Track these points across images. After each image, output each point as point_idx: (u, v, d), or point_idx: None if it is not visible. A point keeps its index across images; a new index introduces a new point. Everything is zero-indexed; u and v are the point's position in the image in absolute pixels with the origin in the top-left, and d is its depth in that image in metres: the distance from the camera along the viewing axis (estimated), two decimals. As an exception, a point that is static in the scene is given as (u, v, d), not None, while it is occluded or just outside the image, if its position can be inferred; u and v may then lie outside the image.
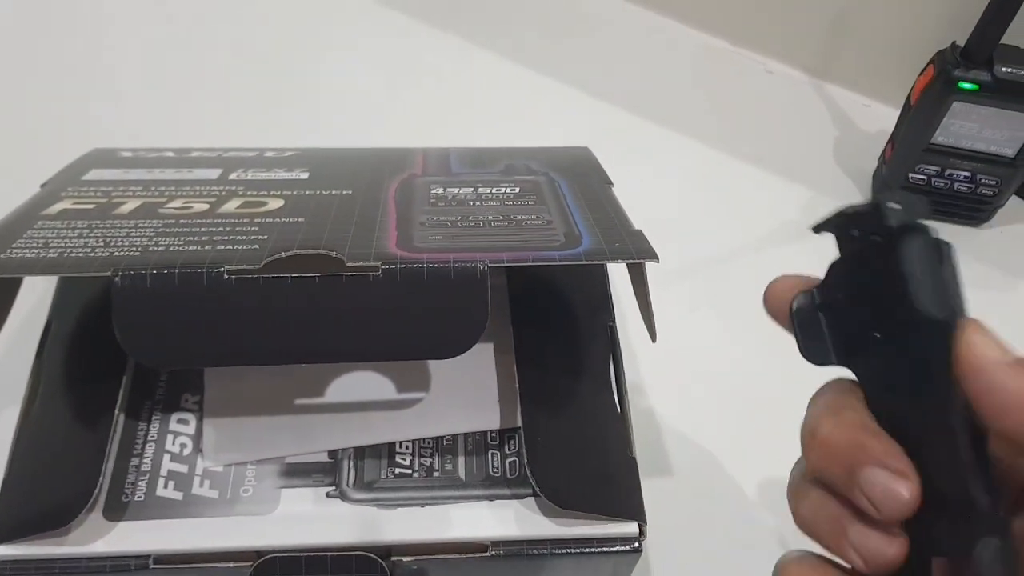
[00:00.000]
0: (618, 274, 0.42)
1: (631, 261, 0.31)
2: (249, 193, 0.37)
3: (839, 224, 0.26)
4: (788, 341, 0.27)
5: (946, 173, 0.56)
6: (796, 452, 0.27)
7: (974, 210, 0.58)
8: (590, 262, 0.31)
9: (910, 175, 0.57)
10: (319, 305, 0.30)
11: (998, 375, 0.23)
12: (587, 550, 0.34)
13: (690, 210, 0.57)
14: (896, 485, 0.24)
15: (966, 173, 0.56)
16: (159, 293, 0.29)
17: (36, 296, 0.43)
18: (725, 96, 0.67)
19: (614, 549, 0.34)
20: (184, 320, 0.29)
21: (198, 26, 0.69)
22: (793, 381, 0.29)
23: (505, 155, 0.45)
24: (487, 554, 0.33)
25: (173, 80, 0.65)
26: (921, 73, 0.55)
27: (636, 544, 0.34)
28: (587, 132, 0.48)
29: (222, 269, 0.29)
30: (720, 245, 0.56)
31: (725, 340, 0.50)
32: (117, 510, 0.34)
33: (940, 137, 0.55)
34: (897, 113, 0.60)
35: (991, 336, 0.24)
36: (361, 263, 0.30)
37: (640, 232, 0.34)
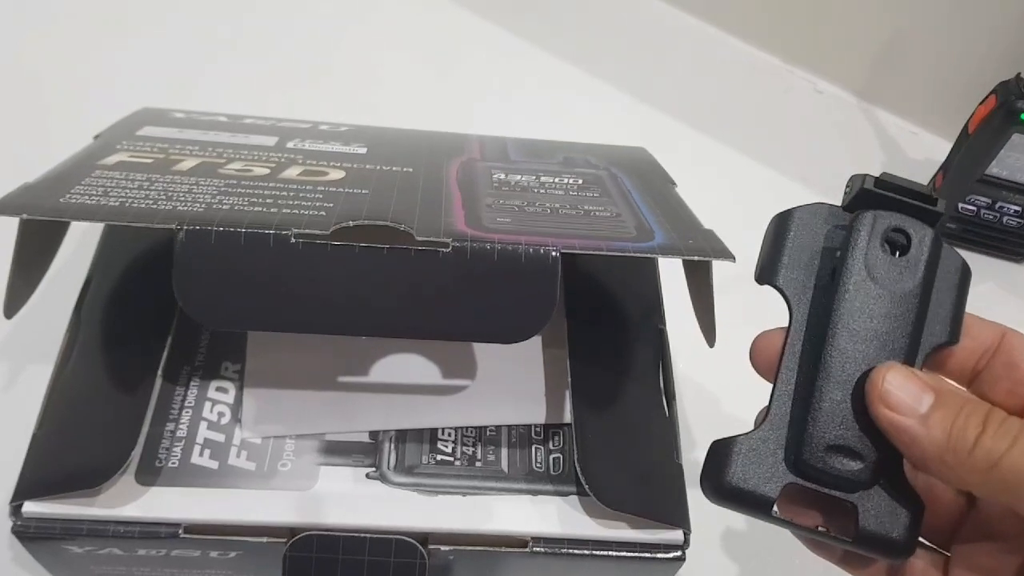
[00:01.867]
0: (665, 275, 0.41)
1: (706, 259, 0.30)
2: (309, 162, 0.36)
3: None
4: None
5: (996, 206, 0.55)
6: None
7: (1020, 245, 0.57)
8: (665, 255, 0.30)
9: (960, 205, 0.56)
10: (385, 277, 0.29)
11: (912, 431, 0.26)
12: (629, 554, 0.33)
13: (730, 223, 0.55)
14: None
15: (1017, 208, 0.55)
16: (223, 252, 0.28)
17: (70, 249, 0.42)
18: (773, 112, 0.67)
19: (657, 555, 0.33)
20: (246, 281, 0.28)
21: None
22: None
23: (562, 148, 0.44)
24: (527, 550, 0.32)
25: (218, 50, 0.64)
26: (981, 103, 0.54)
27: (680, 552, 0.33)
28: (633, 136, 0.48)
29: (290, 232, 0.28)
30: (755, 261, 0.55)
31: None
32: (150, 475, 0.33)
33: (995, 169, 0.54)
34: (944, 144, 0.59)
35: (905, 379, 0.26)
36: (431, 238, 0.29)
37: (712, 231, 0.33)
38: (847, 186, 0.30)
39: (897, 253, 0.28)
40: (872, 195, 0.28)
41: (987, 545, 0.29)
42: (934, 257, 0.28)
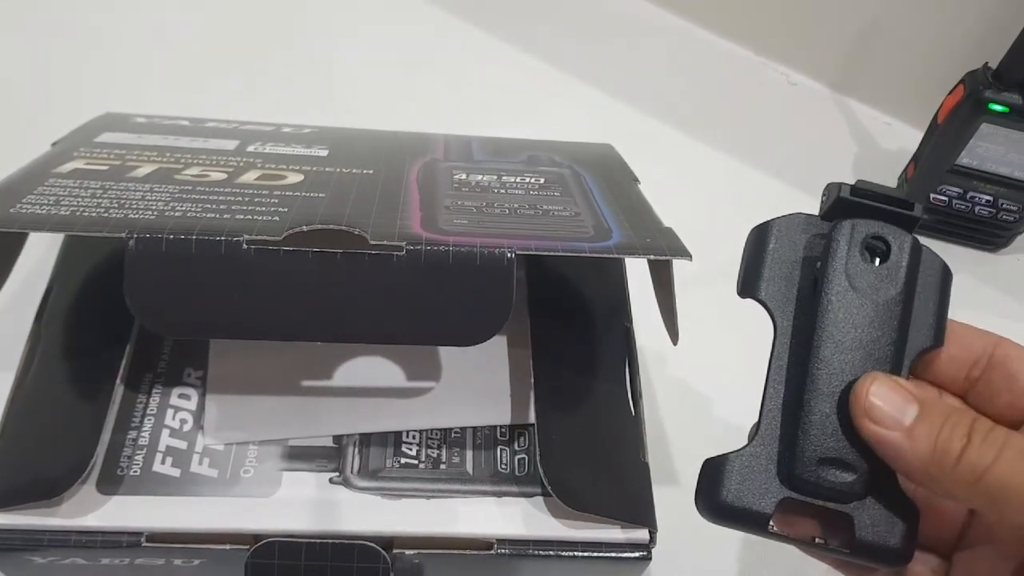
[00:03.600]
0: (631, 274, 0.41)
1: (663, 258, 0.30)
2: (268, 166, 0.36)
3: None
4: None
5: (968, 196, 0.55)
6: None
7: (992, 235, 0.57)
8: (621, 255, 0.30)
9: (932, 195, 0.56)
10: (339, 282, 0.29)
11: (897, 444, 0.25)
12: (595, 554, 0.33)
13: (704, 217, 0.55)
14: None
15: (988, 197, 0.55)
16: (174, 259, 0.28)
17: (33, 260, 0.42)
18: (746, 105, 0.67)
19: (623, 555, 0.33)
20: (198, 288, 0.28)
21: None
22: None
23: (527, 146, 0.44)
24: (492, 552, 0.32)
25: (187, 52, 0.64)
26: (950, 93, 0.54)
27: (646, 551, 0.33)
28: (605, 132, 0.47)
29: (241, 238, 0.28)
30: (733, 254, 0.55)
31: (733, 349, 0.49)
32: (111, 484, 0.32)
33: (965, 159, 0.54)
34: (918, 134, 0.59)
35: (889, 391, 0.26)
36: (385, 241, 0.29)
37: (671, 230, 0.33)
38: (823, 194, 0.30)
39: (877, 260, 0.28)
40: (849, 203, 0.28)
41: (986, 551, 0.29)
42: (914, 262, 0.28)
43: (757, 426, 0.28)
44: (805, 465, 0.27)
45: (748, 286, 0.29)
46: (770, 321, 0.29)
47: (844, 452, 0.27)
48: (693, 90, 0.67)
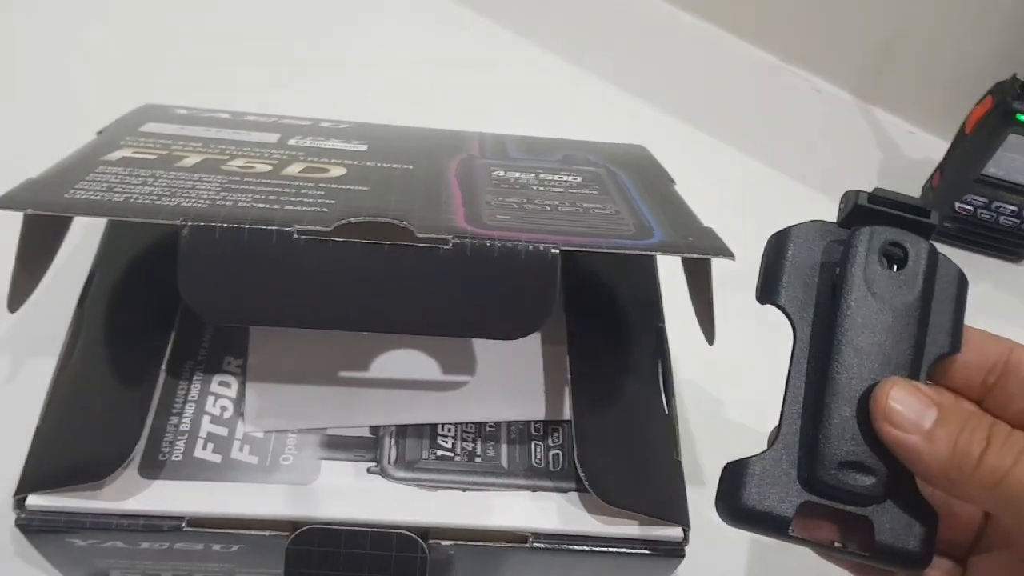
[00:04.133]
0: (664, 273, 0.41)
1: (706, 257, 0.31)
2: (310, 159, 0.37)
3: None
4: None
5: (993, 205, 0.56)
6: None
7: (1016, 245, 0.58)
8: (664, 253, 0.30)
9: (957, 204, 0.56)
10: (386, 274, 0.29)
11: (917, 448, 0.26)
12: (629, 550, 0.33)
13: (727, 221, 0.56)
14: None
15: (1013, 207, 0.55)
16: (226, 247, 0.28)
17: (73, 244, 0.42)
18: (771, 111, 0.67)
19: (657, 552, 0.33)
20: (249, 277, 0.29)
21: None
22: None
23: (561, 145, 0.44)
24: (527, 545, 0.33)
25: (218, 46, 0.64)
26: (978, 103, 0.54)
27: (679, 549, 0.33)
28: (629, 134, 0.48)
29: (292, 229, 0.28)
30: (756, 259, 0.55)
31: (756, 353, 0.49)
32: (153, 468, 0.33)
33: (992, 169, 0.54)
34: (942, 143, 0.60)
35: (909, 395, 0.26)
36: (431, 235, 0.29)
37: (711, 230, 0.33)
38: (841, 202, 0.30)
39: (895, 267, 0.28)
40: (866, 211, 0.29)
41: (1002, 555, 0.29)
42: (931, 269, 0.29)
43: (777, 430, 0.29)
44: (825, 468, 0.27)
45: (767, 292, 0.30)
46: (789, 326, 0.29)
47: (864, 456, 0.27)
48: (718, 94, 0.68)
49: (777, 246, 0.30)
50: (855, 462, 0.27)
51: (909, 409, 0.26)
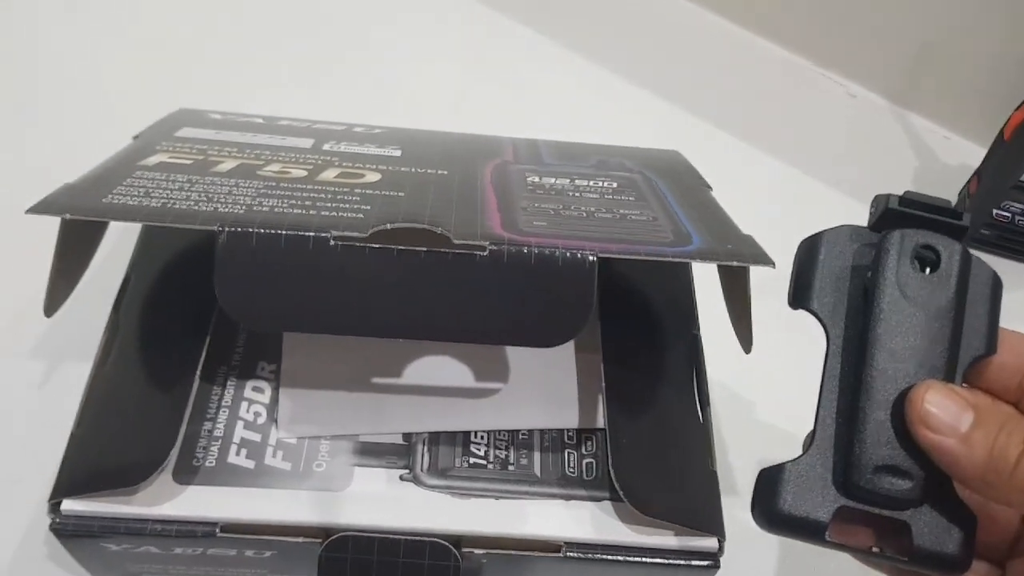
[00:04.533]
0: (698, 280, 0.41)
1: (746, 264, 0.30)
2: (345, 164, 0.36)
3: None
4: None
5: (1032, 212, 0.55)
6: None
7: (1054, 253, 0.57)
8: (704, 261, 0.30)
9: (994, 211, 0.55)
10: (422, 280, 0.29)
11: (953, 452, 0.26)
12: (663, 560, 0.33)
13: (760, 227, 0.55)
14: None
15: (1053, 214, 0.55)
16: (263, 253, 0.28)
17: (108, 248, 0.43)
18: (804, 115, 0.66)
19: (692, 563, 0.33)
20: (285, 282, 0.29)
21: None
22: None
23: (595, 151, 0.44)
24: (560, 554, 0.32)
25: (246, 51, 0.64)
26: (1017, 108, 0.53)
27: (714, 560, 0.33)
28: (661, 139, 0.47)
29: (328, 235, 0.28)
30: (789, 265, 0.54)
31: (791, 358, 0.49)
32: (187, 474, 0.33)
33: (1031, 175, 0.53)
34: (978, 149, 0.59)
35: (945, 398, 0.26)
36: (468, 241, 0.29)
37: (751, 237, 0.33)
38: (872, 206, 0.30)
39: (927, 270, 0.28)
40: (897, 214, 0.29)
41: None
42: (964, 271, 0.28)
43: (812, 435, 0.28)
44: (861, 473, 0.27)
45: (800, 297, 0.30)
46: (822, 332, 0.29)
47: (900, 459, 0.27)
48: (751, 99, 0.67)
49: (808, 251, 0.30)
50: (891, 466, 0.27)
51: (945, 412, 0.26)
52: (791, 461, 0.28)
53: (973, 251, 0.29)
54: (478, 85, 0.65)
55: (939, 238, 0.28)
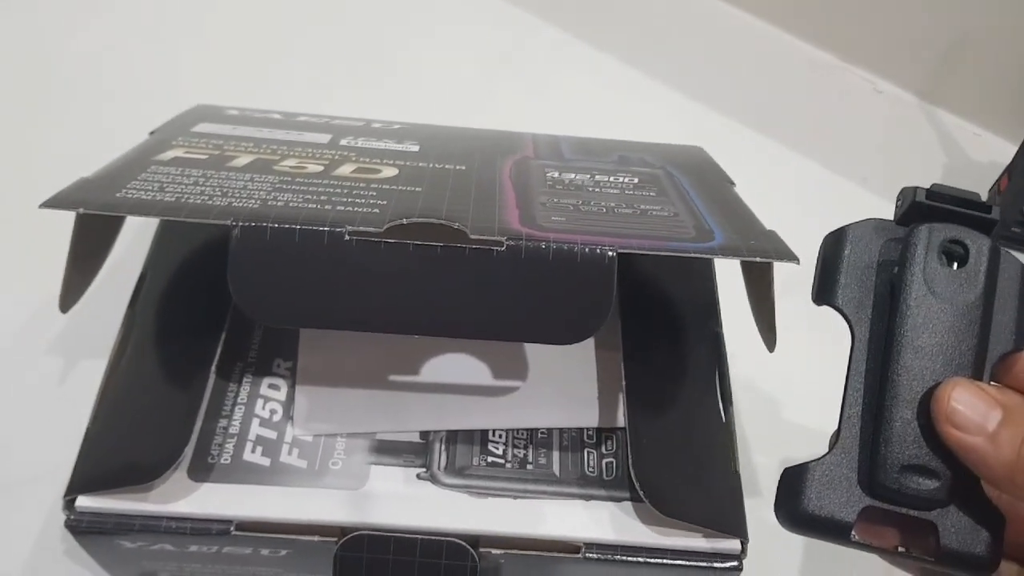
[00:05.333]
0: (720, 277, 0.40)
1: (769, 261, 0.30)
2: (362, 160, 0.36)
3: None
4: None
5: (1064, 210, 0.54)
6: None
7: (1088, 251, 0.56)
8: (726, 257, 0.29)
9: (1025, 209, 0.54)
10: (438, 276, 0.29)
11: (980, 451, 0.25)
12: (685, 562, 0.32)
13: (785, 224, 0.54)
14: None
15: (1085, 212, 0.53)
16: (278, 248, 0.28)
17: (125, 245, 0.43)
18: (830, 111, 0.65)
19: (714, 564, 0.32)
20: (300, 278, 0.28)
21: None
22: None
23: (616, 147, 0.43)
24: (580, 555, 0.32)
25: (269, 47, 0.64)
26: (1050, 103, 0.52)
27: (737, 562, 0.32)
28: (686, 135, 0.47)
29: (343, 230, 0.28)
30: (813, 263, 0.54)
31: (815, 355, 0.48)
32: (202, 471, 0.32)
33: (1064, 171, 0.52)
34: (1009, 146, 0.58)
35: (972, 396, 0.26)
36: (485, 236, 0.28)
37: (774, 232, 0.32)
38: (898, 199, 0.29)
39: (955, 265, 0.28)
40: (924, 207, 0.28)
41: None
42: (993, 266, 0.28)
43: (837, 434, 0.28)
44: (887, 472, 0.27)
45: (825, 293, 0.29)
46: (847, 329, 0.28)
47: (926, 459, 0.27)
48: (776, 95, 0.66)
49: (833, 246, 0.29)
50: (918, 465, 0.27)
51: (972, 410, 0.25)
52: (815, 460, 0.27)
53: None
54: (500, 82, 0.64)
55: (967, 232, 0.27)
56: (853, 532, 0.27)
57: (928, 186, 0.28)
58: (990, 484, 0.26)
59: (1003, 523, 0.27)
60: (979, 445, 0.25)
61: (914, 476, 0.27)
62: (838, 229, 0.30)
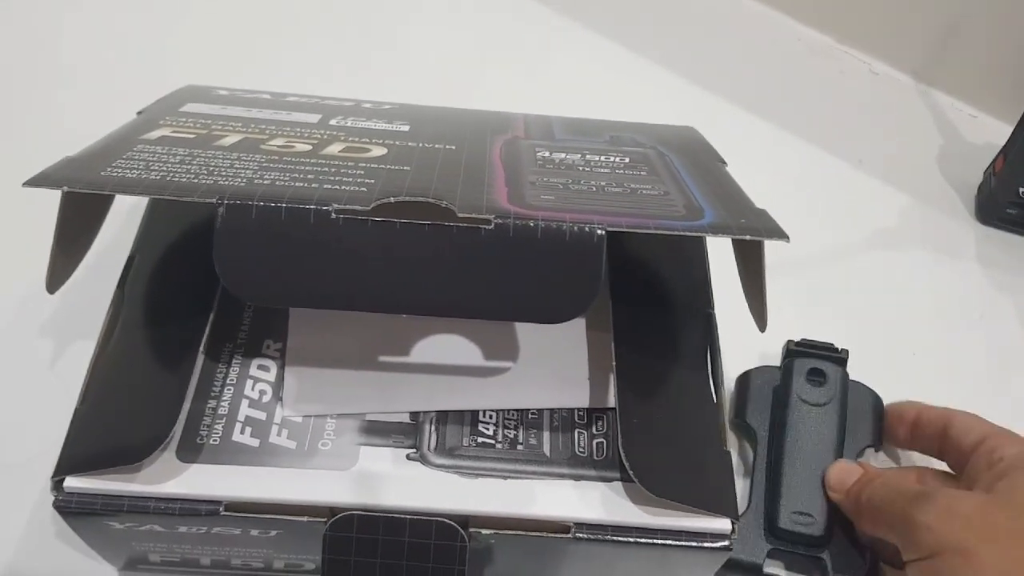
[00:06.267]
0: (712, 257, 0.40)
1: (759, 239, 0.29)
2: (351, 139, 0.36)
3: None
4: (869, 350, 0.45)
5: (1059, 191, 0.54)
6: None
7: (1082, 233, 0.55)
8: (715, 235, 0.29)
9: (1020, 189, 0.54)
10: (426, 254, 0.28)
11: (842, 504, 0.39)
12: (675, 542, 0.32)
13: (781, 207, 0.54)
14: None
15: (1080, 193, 0.53)
16: (263, 226, 0.28)
17: (115, 226, 0.42)
18: (826, 93, 0.65)
19: (704, 544, 0.32)
20: (286, 257, 0.28)
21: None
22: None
23: (608, 127, 0.43)
24: (570, 535, 0.32)
25: (261, 27, 0.64)
26: (1046, 83, 0.52)
27: (727, 541, 0.32)
28: (681, 117, 0.46)
29: (330, 208, 0.28)
30: (809, 246, 0.53)
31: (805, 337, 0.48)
32: (191, 452, 0.32)
33: (1059, 153, 0.52)
34: (1005, 127, 0.57)
35: (838, 469, 0.40)
36: (473, 214, 0.28)
37: (765, 211, 0.32)
38: (782, 350, 0.45)
39: (819, 384, 0.42)
40: (796, 351, 0.44)
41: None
42: (844, 384, 0.43)
43: (748, 502, 0.40)
44: (783, 516, 0.39)
45: (740, 413, 0.43)
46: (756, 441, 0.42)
47: (808, 506, 0.39)
48: (772, 77, 0.66)
49: (743, 382, 0.44)
50: (803, 512, 0.39)
51: (837, 477, 0.40)
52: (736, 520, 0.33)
53: (993, 231, 0.31)
54: (492, 64, 0.64)
55: (824, 363, 0.43)
56: (765, 569, 0.39)
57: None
58: (856, 524, 0.39)
59: (873, 554, 0.39)
60: (840, 500, 0.39)
61: (801, 518, 0.39)
62: (745, 373, 0.44)
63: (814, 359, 0.43)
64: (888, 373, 0.45)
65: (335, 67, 0.62)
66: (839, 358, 0.43)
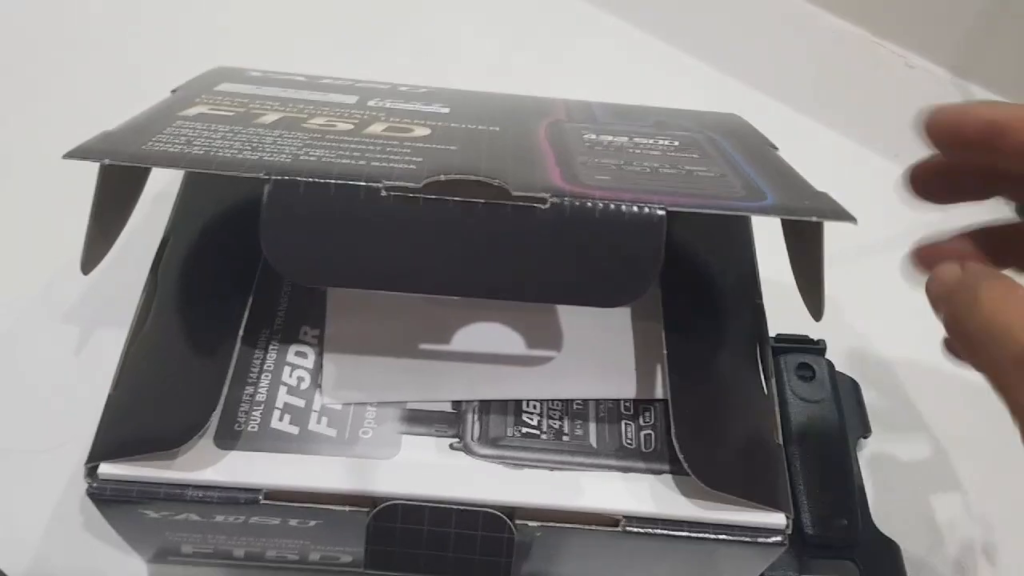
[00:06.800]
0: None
1: (825, 220, 0.28)
2: (392, 119, 0.35)
3: None
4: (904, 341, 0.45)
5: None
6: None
7: None
8: (781, 216, 0.28)
9: (1065, 184, 0.53)
10: (478, 234, 0.27)
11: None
12: (729, 537, 0.31)
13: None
14: None
15: None
16: (312, 203, 0.27)
17: (146, 207, 0.41)
18: (861, 87, 0.64)
19: (759, 540, 0.31)
20: (334, 234, 0.27)
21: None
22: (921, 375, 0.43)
23: (652, 112, 0.42)
24: (619, 528, 0.31)
25: (287, 11, 0.63)
26: (1092, 74, 0.51)
27: (782, 537, 0.31)
28: (714, 108, 0.45)
29: (380, 185, 0.27)
30: (842, 240, 0.52)
31: (840, 335, 0.47)
32: (228, 439, 0.31)
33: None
34: (1045, 121, 0.56)
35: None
36: (528, 193, 0.27)
37: (827, 194, 0.31)
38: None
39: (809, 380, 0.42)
40: (777, 348, 0.42)
41: None
42: (833, 376, 0.42)
43: None
44: (811, 524, 0.38)
45: None
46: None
47: (835, 509, 0.38)
48: (806, 69, 0.65)
49: None
50: (829, 514, 0.38)
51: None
52: None
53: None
54: (524, 52, 0.63)
55: (811, 357, 0.42)
56: None
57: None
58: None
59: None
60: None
61: (830, 520, 0.38)
62: None
63: (798, 353, 0.42)
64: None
65: (365, 51, 0.61)
66: (819, 349, 0.43)
